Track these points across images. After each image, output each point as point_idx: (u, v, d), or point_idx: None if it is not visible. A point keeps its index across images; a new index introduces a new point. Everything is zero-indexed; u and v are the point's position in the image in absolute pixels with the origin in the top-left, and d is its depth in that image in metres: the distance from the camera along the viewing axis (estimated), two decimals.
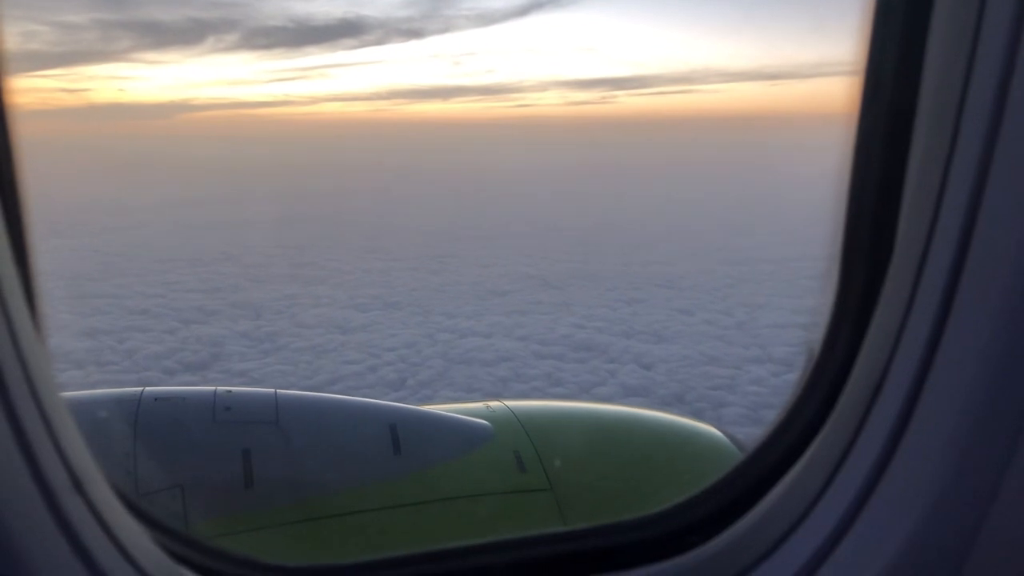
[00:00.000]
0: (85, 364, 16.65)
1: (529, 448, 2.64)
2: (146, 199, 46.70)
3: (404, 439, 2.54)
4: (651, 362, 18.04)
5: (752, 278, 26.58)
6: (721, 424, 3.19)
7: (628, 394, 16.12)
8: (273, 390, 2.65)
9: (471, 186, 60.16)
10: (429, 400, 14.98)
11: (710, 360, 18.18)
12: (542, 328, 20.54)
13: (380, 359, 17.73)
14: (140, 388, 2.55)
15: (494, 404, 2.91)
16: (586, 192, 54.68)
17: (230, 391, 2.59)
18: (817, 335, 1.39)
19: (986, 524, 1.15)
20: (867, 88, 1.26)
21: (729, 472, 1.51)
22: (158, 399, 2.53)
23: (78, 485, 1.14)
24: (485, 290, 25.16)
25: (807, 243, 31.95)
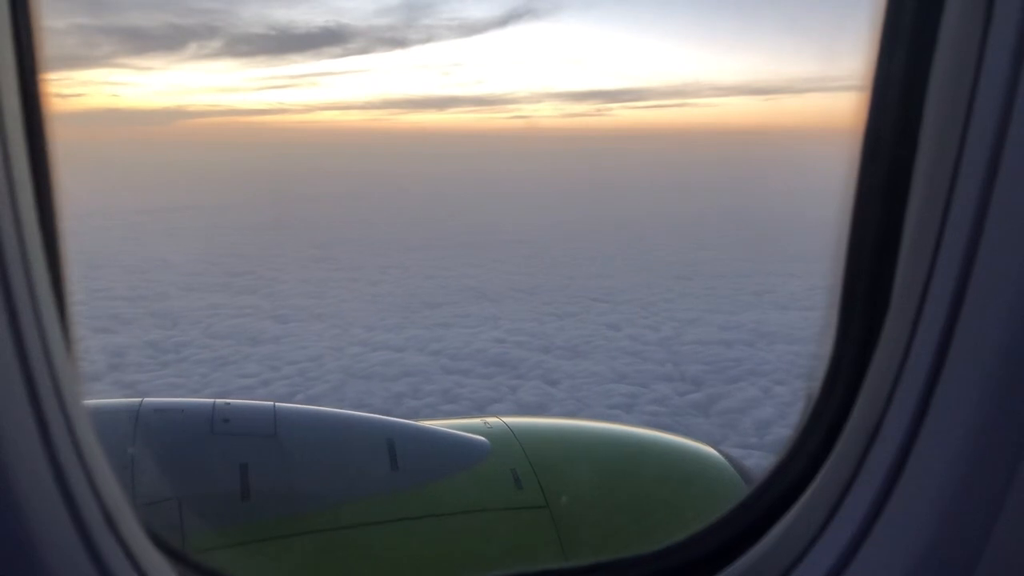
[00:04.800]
0: None
1: (526, 465, 2.62)
2: (116, 204, 46.55)
3: (401, 454, 2.53)
4: (558, 378, 17.65)
5: (693, 293, 26.19)
6: None
7: (523, 411, 15.73)
8: (272, 402, 2.63)
9: (451, 196, 59.98)
10: None
11: (619, 377, 17.78)
12: (459, 342, 20.16)
13: (278, 372, 17.36)
14: (139, 399, 2.53)
15: (491, 420, 2.89)
16: (565, 204, 54.40)
17: (229, 403, 2.58)
18: (818, 372, 1.41)
19: (983, 560, 1.18)
20: (868, 135, 1.27)
21: (730, 510, 1.53)
22: (157, 410, 2.52)
23: (110, 521, 1.17)
24: (418, 302, 24.80)
25: (764, 258, 31.61)
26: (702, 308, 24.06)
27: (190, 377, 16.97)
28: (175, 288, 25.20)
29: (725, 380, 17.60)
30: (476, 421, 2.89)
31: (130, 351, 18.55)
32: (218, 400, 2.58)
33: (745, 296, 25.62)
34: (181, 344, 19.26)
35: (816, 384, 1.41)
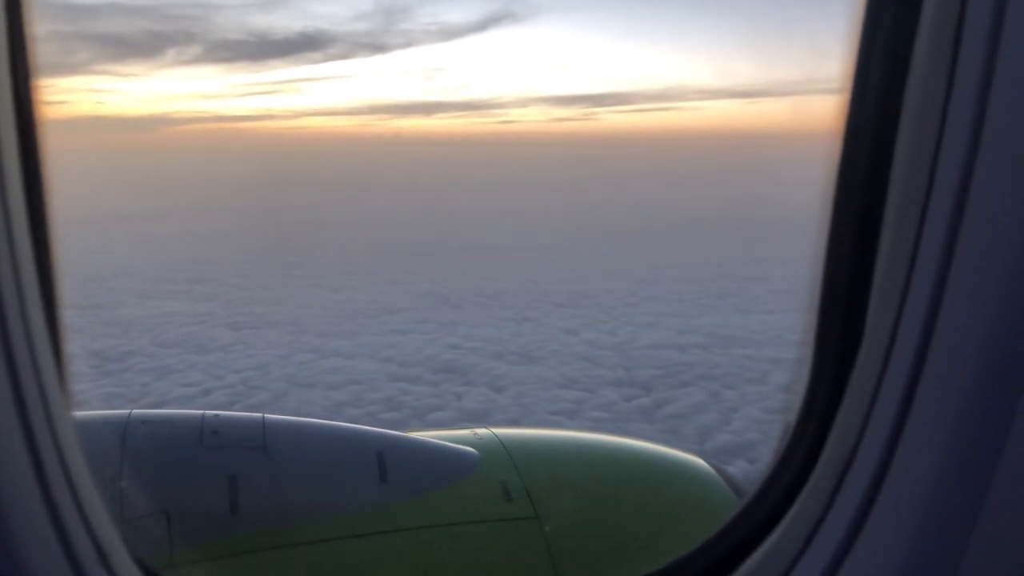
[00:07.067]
0: None
1: (515, 477, 2.62)
2: (90, 212, 46.19)
3: (391, 466, 2.54)
4: (505, 385, 17.48)
5: (656, 297, 26.07)
6: None
7: (464, 419, 15.55)
8: (261, 414, 2.64)
9: (433, 201, 59.80)
10: None
11: (568, 382, 17.63)
12: (411, 349, 19.98)
13: (221, 381, 17.14)
14: (127, 411, 2.52)
15: (481, 431, 2.89)
16: (545, 208, 54.28)
17: (218, 415, 2.59)
18: (798, 387, 1.43)
19: (962, 568, 1.20)
20: (847, 139, 1.29)
21: (717, 530, 1.55)
22: (145, 422, 2.52)
23: (103, 557, 1.18)
24: (378, 308, 24.60)
25: (733, 262, 31.51)
26: (662, 312, 23.94)
27: (131, 386, 16.74)
28: (133, 296, 24.94)
29: (674, 385, 17.47)
30: (465, 432, 2.88)
31: (74, 361, 18.28)
32: (207, 412, 2.58)
33: (707, 299, 25.51)
34: (127, 353, 19.02)
35: (796, 402, 1.43)
